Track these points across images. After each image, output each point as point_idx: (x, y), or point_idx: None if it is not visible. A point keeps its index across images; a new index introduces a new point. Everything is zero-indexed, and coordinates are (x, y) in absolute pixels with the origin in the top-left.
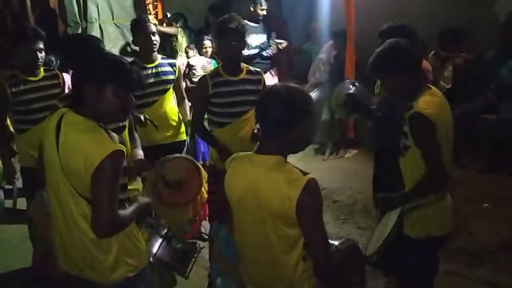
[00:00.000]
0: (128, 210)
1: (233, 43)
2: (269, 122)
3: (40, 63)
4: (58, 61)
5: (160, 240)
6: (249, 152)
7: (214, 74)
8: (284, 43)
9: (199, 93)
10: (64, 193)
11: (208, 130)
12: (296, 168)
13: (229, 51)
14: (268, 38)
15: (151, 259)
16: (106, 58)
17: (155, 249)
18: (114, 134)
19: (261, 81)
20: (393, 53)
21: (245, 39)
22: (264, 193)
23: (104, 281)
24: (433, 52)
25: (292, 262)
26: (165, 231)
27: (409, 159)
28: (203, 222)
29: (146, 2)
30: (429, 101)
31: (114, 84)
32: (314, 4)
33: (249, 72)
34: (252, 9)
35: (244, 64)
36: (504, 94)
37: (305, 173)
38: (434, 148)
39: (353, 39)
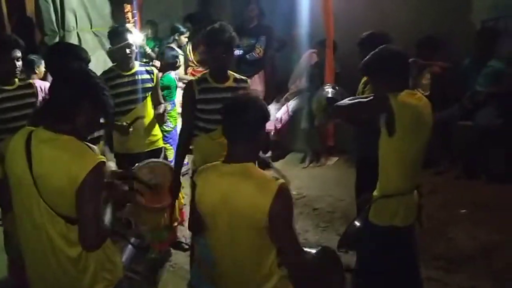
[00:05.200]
0: (107, 215)
1: (223, 54)
2: (238, 128)
3: (17, 72)
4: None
5: (133, 250)
6: (217, 162)
7: (201, 80)
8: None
9: (186, 99)
10: (39, 215)
11: (194, 134)
12: (265, 172)
13: (218, 61)
14: (256, 42)
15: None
16: (86, 75)
17: (128, 259)
18: (93, 146)
19: (246, 89)
20: (386, 59)
21: (234, 49)
22: (235, 202)
23: None
24: (411, 60)
25: (266, 268)
26: (139, 241)
27: (380, 150)
28: (183, 231)
29: (125, 11)
30: (403, 95)
31: (91, 101)
32: (293, 13)
33: (235, 80)
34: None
35: (230, 72)
36: (479, 101)
37: (276, 178)
38: (362, 106)
39: (332, 48)
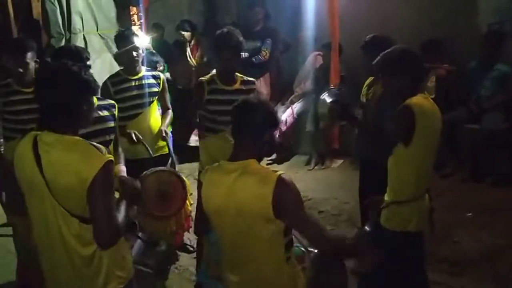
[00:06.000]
0: (121, 213)
1: (231, 58)
2: (244, 129)
3: (28, 75)
4: None
5: (142, 244)
6: (221, 162)
7: (210, 81)
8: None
9: (197, 95)
10: (53, 216)
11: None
12: (267, 167)
13: (226, 65)
14: (262, 44)
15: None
16: (73, 73)
17: (138, 253)
18: (100, 146)
19: (253, 90)
20: (400, 57)
21: (241, 53)
22: (240, 198)
23: None
24: None
25: (275, 263)
26: (148, 235)
27: (395, 157)
28: (187, 234)
29: (131, 13)
30: (418, 99)
31: (87, 95)
32: (298, 15)
33: (243, 82)
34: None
35: (238, 74)
36: (485, 105)
37: (275, 171)
38: (399, 133)
39: (337, 50)
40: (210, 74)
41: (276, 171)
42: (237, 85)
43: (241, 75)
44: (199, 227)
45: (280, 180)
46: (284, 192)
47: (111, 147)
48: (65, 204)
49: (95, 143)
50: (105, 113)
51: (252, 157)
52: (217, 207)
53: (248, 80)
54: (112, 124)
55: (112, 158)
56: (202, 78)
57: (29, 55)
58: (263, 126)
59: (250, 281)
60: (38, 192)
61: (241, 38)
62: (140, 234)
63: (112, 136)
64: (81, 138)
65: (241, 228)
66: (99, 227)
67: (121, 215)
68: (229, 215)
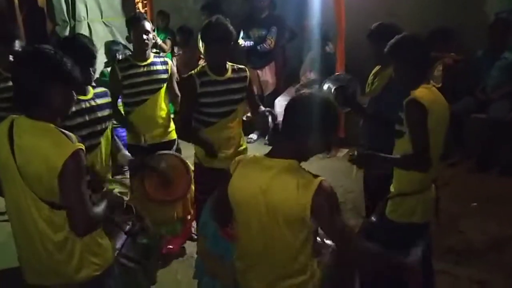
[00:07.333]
0: (100, 207)
1: (219, 50)
2: (287, 126)
3: None
4: None
5: (124, 236)
6: (258, 155)
7: (201, 73)
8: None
9: (188, 92)
10: (24, 200)
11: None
12: (308, 171)
13: (215, 56)
14: (267, 32)
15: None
16: (47, 57)
17: (119, 245)
18: (71, 134)
19: (246, 78)
20: (404, 43)
21: (231, 43)
22: (275, 196)
23: (70, 282)
24: None
25: (302, 263)
26: (129, 227)
27: (401, 145)
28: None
29: (136, 1)
30: (425, 92)
31: (60, 81)
32: (305, 4)
33: (234, 70)
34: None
35: (228, 63)
36: (492, 95)
37: (316, 176)
38: (422, 132)
39: (343, 38)
40: (200, 66)
41: (317, 176)
42: (229, 74)
43: (231, 63)
44: (220, 217)
45: (321, 187)
46: (323, 199)
47: (107, 133)
48: (34, 190)
49: (66, 131)
50: (100, 101)
51: (292, 158)
52: (246, 201)
53: (239, 68)
54: (107, 112)
55: (83, 147)
56: (192, 72)
57: (17, 43)
58: (307, 131)
59: (270, 276)
60: (10, 176)
61: (230, 28)
62: (125, 227)
63: (108, 124)
64: (53, 125)
65: (269, 225)
66: (74, 215)
67: (99, 208)
68: (259, 211)
